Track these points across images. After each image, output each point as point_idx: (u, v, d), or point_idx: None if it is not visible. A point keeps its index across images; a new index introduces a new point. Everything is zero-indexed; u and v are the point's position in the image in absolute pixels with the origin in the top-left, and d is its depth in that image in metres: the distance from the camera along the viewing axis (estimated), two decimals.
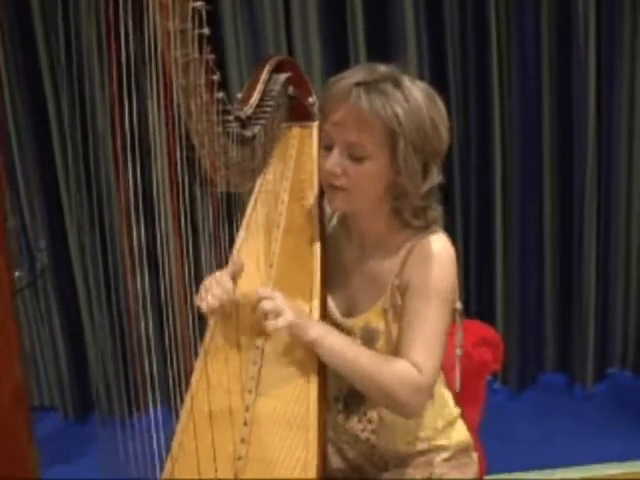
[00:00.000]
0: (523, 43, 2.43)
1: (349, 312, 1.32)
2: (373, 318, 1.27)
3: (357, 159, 1.19)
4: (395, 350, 1.24)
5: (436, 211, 1.26)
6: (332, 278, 1.34)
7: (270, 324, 1.14)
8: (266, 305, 1.15)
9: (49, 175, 2.55)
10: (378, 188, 1.23)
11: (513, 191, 2.58)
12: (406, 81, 1.19)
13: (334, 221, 1.42)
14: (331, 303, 1.33)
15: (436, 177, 1.22)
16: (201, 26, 0.98)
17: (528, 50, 2.45)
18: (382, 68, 1.21)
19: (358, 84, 1.17)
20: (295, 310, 1.16)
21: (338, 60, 2.48)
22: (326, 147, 1.24)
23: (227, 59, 2.46)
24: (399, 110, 1.15)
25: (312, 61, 2.48)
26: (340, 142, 1.20)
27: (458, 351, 1.38)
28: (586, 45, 2.42)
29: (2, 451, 0.64)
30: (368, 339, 1.27)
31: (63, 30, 2.39)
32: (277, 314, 1.14)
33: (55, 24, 2.38)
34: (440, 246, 1.24)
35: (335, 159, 1.21)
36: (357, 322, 1.29)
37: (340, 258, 1.36)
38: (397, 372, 1.17)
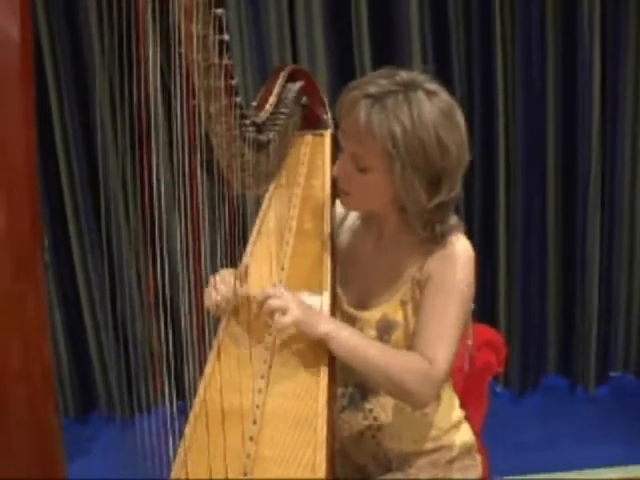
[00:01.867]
0: (528, 45, 2.45)
1: (363, 304, 1.33)
2: (391, 310, 1.28)
3: (360, 169, 1.21)
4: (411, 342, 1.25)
5: (447, 225, 1.25)
6: (347, 271, 1.35)
7: (277, 322, 1.14)
8: (273, 303, 1.15)
9: (51, 171, 2.55)
10: (381, 199, 1.25)
11: (516, 193, 2.59)
12: (421, 94, 1.17)
13: (350, 218, 1.44)
14: (343, 297, 1.34)
15: (447, 194, 1.21)
16: (221, 32, 1.00)
17: (533, 52, 2.46)
18: (402, 76, 1.19)
19: (367, 96, 1.16)
20: (303, 307, 1.16)
21: (343, 67, 2.50)
22: (340, 148, 1.26)
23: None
24: (397, 129, 1.14)
25: (317, 66, 2.50)
26: (346, 149, 1.23)
27: (469, 341, 1.39)
28: (591, 45, 2.44)
29: (33, 435, 0.65)
30: (384, 331, 1.28)
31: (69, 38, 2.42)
32: (284, 312, 1.14)
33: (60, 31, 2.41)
34: (462, 246, 1.26)
35: (340, 164, 1.24)
36: (373, 314, 1.30)
37: (357, 250, 1.37)
38: (407, 362, 1.18)
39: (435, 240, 1.25)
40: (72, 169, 2.55)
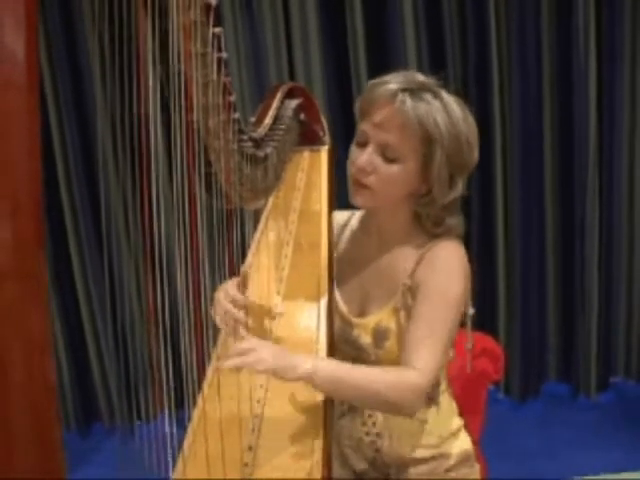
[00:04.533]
0: (523, 49, 2.48)
1: (362, 311, 1.34)
2: (384, 317, 1.30)
3: (389, 160, 1.23)
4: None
5: (455, 220, 1.29)
6: (346, 278, 1.37)
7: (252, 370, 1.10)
8: (248, 359, 1.09)
9: (50, 183, 2.57)
10: (403, 191, 1.26)
11: (514, 199, 2.61)
12: (444, 93, 1.23)
13: (348, 229, 1.45)
14: (343, 305, 1.35)
15: (460, 190, 1.27)
16: (220, 50, 1.02)
17: (529, 60, 2.50)
18: (421, 77, 1.25)
19: (404, 90, 1.20)
20: (275, 353, 1.10)
21: (339, 80, 2.54)
22: (359, 144, 1.26)
23: None
24: (440, 120, 1.19)
25: (313, 80, 2.53)
26: (376, 141, 1.23)
27: (469, 344, 1.40)
28: (586, 48, 2.46)
29: (36, 447, 0.65)
30: (379, 338, 1.30)
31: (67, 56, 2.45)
32: (257, 363, 1.08)
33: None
34: (453, 253, 1.27)
35: (368, 156, 1.23)
36: (369, 321, 1.31)
37: (356, 258, 1.38)
38: (391, 380, 1.17)
39: (443, 235, 1.28)
40: (71, 182, 2.58)
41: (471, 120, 1.25)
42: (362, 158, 1.24)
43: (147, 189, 0.93)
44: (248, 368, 1.09)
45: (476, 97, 2.53)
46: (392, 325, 1.29)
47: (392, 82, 1.22)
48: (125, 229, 2.58)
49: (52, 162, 2.56)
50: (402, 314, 1.28)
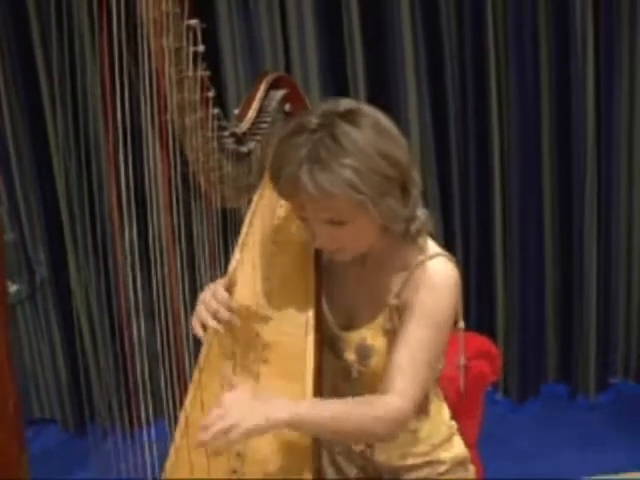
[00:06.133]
0: (521, 51, 2.45)
1: (347, 325, 1.31)
2: (369, 335, 1.27)
3: (339, 223, 1.17)
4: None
5: (419, 220, 1.23)
6: (333, 288, 1.34)
7: (226, 441, 1.03)
8: (215, 429, 1.03)
9: (48, 188, 2.57)
10: (371, 237, 1.23)
11: (512, 202, 2.59)
12: (342, 125, 1.12)
13: None
14: (329, 315, 1.33)
15: (416, 191, 1.20)
16: (196, 44, 0.99)
17: (527, 59, 2.47)
18: (313, 119, 1.14)
19: (301, 163, 1.11)
20: (247, 408, 1.06)
21: (335, 74, 2.51)
22: (299, 218, 1.22)
23: (224, 76, 2.49)
24: (349, 176, 1.10)
25: (309, 74, 2.50)
26: (314, 218, 1.19)
27: (462, 360, 1.38)
28: (584, 52, 2.44)
29: None
30: (363, 355, 1.27)
31: (60, 48, 2.43)
32: (229, 430, 1.03)
33: (51, 36, 2.42)
34: (441, 271, 1.23)
35: (318, 232, 1.20)
36: (353, 337, 1.29)
37: (343, 269, 1.35)
38: (376, 414, 1.16)
39: (416, 238, 1.23)
40: (68, 184, 2.56)
41: (388, 129, 1.16)
42: (317, 240, 1.21)
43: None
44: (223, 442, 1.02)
45: (473, 99, 2.51)
46: (377, 344, 1.26)
47: (289, 158, 1.12)
48: (120, 234, 2.57)
49: (52, 183, 2.56)
50: (390, 333, 1.25)
